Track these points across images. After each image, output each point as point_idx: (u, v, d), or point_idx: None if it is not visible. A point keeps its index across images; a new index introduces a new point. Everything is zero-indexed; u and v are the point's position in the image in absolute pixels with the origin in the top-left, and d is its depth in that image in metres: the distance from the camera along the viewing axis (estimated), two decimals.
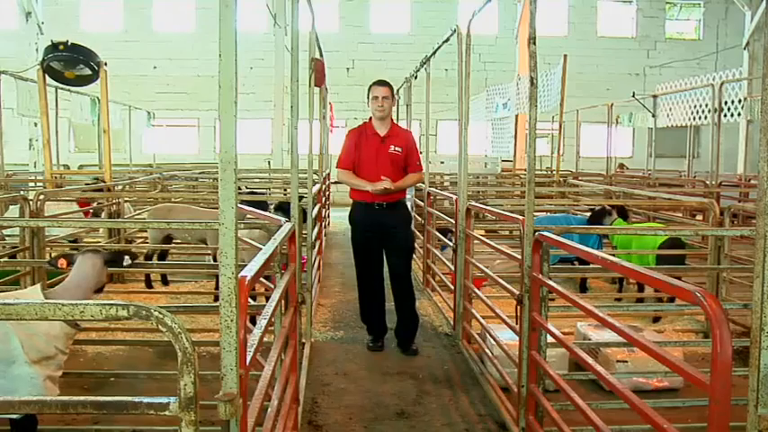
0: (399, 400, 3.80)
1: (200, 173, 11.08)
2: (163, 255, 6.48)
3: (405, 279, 4.66)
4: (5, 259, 4.71)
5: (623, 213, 6.13)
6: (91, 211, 6.49)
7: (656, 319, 5.33)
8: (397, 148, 4.57)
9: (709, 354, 1.69)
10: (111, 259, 2.91)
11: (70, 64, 6.94)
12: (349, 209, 4.78)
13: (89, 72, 7.03)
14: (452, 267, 5.23)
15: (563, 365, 3.83)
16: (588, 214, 7.00)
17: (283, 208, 5.52)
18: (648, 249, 5.37)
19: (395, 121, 4.83)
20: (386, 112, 4.56)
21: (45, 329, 2.58)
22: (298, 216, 3.54)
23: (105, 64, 7.00)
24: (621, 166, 15.36)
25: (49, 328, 2.59)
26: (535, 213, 3.28)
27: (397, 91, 8.85)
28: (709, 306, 1.67)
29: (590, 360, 2.54)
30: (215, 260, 5.57)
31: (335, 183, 11.61)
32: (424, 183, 6.71)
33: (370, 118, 4.65)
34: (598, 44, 18.80)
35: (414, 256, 5.67)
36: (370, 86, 4.60)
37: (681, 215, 8.51)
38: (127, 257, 2.98)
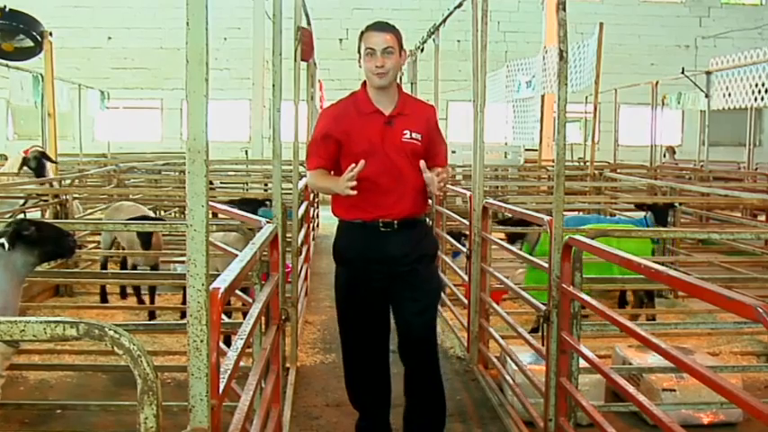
0: None
1: (163, 164, 11.11)
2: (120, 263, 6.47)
3: (425, 348, 3.36)
4: None
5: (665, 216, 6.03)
6: (23, 213, 6.44)
7: None
8: (414, 135, 3.24)
9: None
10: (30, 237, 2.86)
11: (8, 34, 6.95)
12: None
13: (31, 44, 7.04)
14: (466, 278, 5.22)
15: (598, 395, 3.83)
16: (631, 214, 7.01)
17: (249, 204, 5.43)
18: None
19: (404, 91, 3.49)
20: (389, 77, 3.23)
21: None
22: (281, 216, 3.55)
23: (50, 34, 7.01)
24: (671, 149, 15.30)
25: None
26: (565, 213, 3.28)
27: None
28: None
29: (631, 389, 2.55)
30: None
31: None
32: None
33: (363, 84, 3.36)
34: (641, 10, 18.80)
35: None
36: (362, 33, 3.37)
37: (739, 215, 8.51)
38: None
